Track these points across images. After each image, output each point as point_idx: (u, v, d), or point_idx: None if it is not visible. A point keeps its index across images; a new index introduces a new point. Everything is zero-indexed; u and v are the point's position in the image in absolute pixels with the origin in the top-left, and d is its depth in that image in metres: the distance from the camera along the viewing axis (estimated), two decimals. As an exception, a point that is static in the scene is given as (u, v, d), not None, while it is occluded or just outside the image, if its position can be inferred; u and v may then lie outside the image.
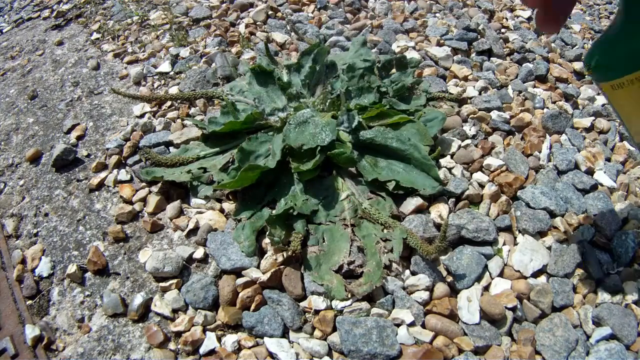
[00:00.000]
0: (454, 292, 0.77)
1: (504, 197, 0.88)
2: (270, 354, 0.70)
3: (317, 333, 0.72)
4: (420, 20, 1.38)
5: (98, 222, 0.94)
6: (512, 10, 1.53)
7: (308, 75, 1.08)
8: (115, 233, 0.89)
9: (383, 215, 0.82)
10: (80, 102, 1.24)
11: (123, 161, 1.03)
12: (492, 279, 0.78)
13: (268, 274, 0.76)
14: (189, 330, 0.74)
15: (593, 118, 1.10)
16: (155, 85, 1.22)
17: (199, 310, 0.76)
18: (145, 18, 1.50)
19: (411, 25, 1.36)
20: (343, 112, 0.95)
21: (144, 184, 0.96)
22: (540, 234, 0.84)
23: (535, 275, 0.78)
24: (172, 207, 0.91)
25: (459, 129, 1.00)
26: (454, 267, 0.77)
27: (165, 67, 1.25)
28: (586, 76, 1.26)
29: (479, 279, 0.77)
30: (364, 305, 0.73)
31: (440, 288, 0.75)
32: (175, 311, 0.77)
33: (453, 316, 0.73)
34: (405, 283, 0.75)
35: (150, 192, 0.95)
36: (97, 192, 0.99)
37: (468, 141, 0.98)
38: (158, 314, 0.77)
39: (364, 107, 1.00)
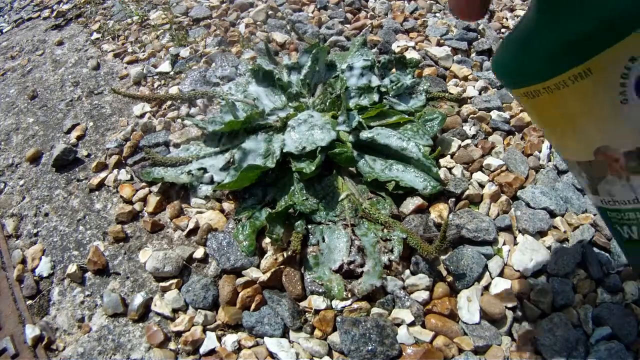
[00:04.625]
0: (454, 291, 0.77)
1: (504, 197, 0.88)
2: (271, 354, 0.70)
3: (317, 333, 0.72)
4: (420, 20, 1.38)
5: (98, 222, 0.94)
6: (512, 10, 1.53)
7: (308, 75, 1.08)
8: (115, 233, 0.89)
9: (383, 215, 0.82)
10: (80, 102, 1.24)
11: (123, 161, 1.03)
12: (492, 278, 0.78)
13: (268, 274, 0.76)
14: (189, 330, 0.74)
15: (593, 118, 1.09)
16: (155, 85, 1.22)
17: (199, 310, 0.76)
18: (145, 18, 1.50)
19: (411, 25, 1.36)
20: (343, 112, 0.95)
21: (144, 183, 0.96)
22: (540, 234, 0.84)
23: (535, 275, 0.78)
24: (172, 207, 0.91)
25: (459, 129, 1.00)
26: (454, 267, 0.77)
27: (165, 67, 1.25)
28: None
29: (479, 278, 0.77)
30: (364, 305, 0.73)
31: (440, 288, 0.75)
32: (175, 311, 0.77)
33: (453, 316, 0.73)
34: (405, 283, 0.75)
35: (150, 192, 0.95)
36: (97, 192, 0.99)
37: (468, 141, 0.98)
38: (158, 314, 0.77)
39: (364, 107, 1.00)
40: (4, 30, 1.75)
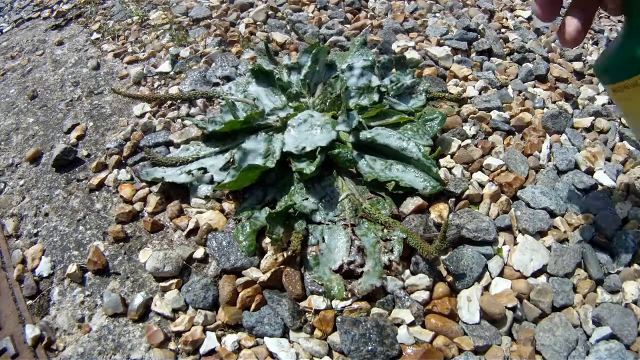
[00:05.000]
0: (454, 291, 0.77)
1: (504, 197, 0.88)
2: (271, 354, 0.70)
3: (317, 333, 0.72)
4: (420, 20, 1.38)
5: (98, 222, 0.94)
6: (512, 10, 1.53)
7: (308, 75, 1.08)
8: (115, 233, 0.89)
9: (383, 215, 0.82)
10: (80, 102, 1.24)
11: (123, 161, 1.03)
12: (492, 278, 0.78)
13: (268, 274, 0.76)
14: (189, 330, 0.74)
15: (593, 118, 1.10)
16: (155, 85, 1.22)
17: (199, 310, 0.76)
18: (145, 18, 1.50)
19: (411, 25, 1.36)
20: (343, 112, 0.95)
21: (144, 183, 0.96)
22: (540, 234, 0.84)
23: (535, 275, 0.78)
24: (172, 207, 0.91)
25: (459, 129, 1.00)
26: (454, 267, 0.77)
27: (165, 67, 1.25)
28: (586, 76, 1.26)
29: (479, 278, 0.77)
30: (364, 305, 0.73)
31: (440, 288, 0.75)
32: (175, 311, 0.77)
33: (453, 316, 0.73)
34: (405, 283, 0.75)
35: (150, 192, 0.95)
36: (97, 192, 0.99)
37: (468, 141, 0.98)
38: (158, 314, 0.77)
39: (364, 107, 0.99)
40: (4, 30, 1.75)
